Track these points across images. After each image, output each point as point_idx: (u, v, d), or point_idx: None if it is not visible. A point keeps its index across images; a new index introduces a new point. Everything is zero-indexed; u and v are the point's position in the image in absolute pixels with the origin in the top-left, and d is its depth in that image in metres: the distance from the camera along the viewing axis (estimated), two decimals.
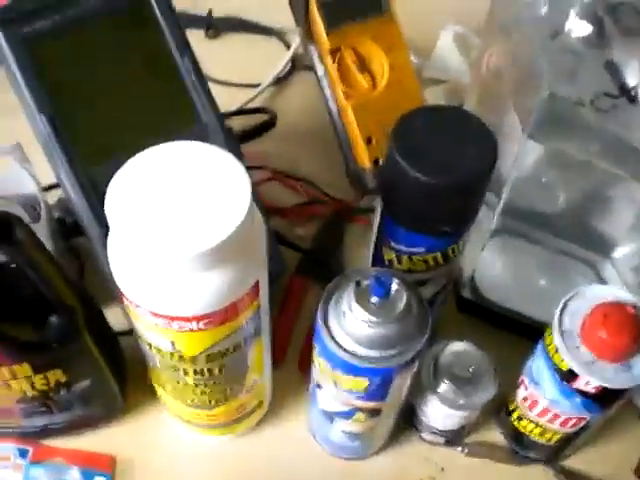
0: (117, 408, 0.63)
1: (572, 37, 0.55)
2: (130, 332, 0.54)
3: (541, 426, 0.59)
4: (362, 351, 0.48)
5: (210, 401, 0.55)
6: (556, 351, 0.52)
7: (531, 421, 0.59)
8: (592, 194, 0.67)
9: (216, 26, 0.92)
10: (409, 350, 0.49)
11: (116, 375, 0.60)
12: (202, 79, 0.62)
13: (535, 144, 0.55)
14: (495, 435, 0.65)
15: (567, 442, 0.60)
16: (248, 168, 0.74)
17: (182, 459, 0.63)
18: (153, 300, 0.44)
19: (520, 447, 0.63)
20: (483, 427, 0.65)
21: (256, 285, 0.47)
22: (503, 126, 0.58)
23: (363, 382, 0.50)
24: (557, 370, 0.53)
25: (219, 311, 0.45)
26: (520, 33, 0.58)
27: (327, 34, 0.71)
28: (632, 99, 0.52)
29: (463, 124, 0.53)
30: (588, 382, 0.51)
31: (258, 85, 0.85)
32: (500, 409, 0.64)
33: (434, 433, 0.62)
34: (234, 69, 0.86)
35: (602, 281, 0.69)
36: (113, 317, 0.62)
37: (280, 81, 0.87)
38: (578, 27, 0.55)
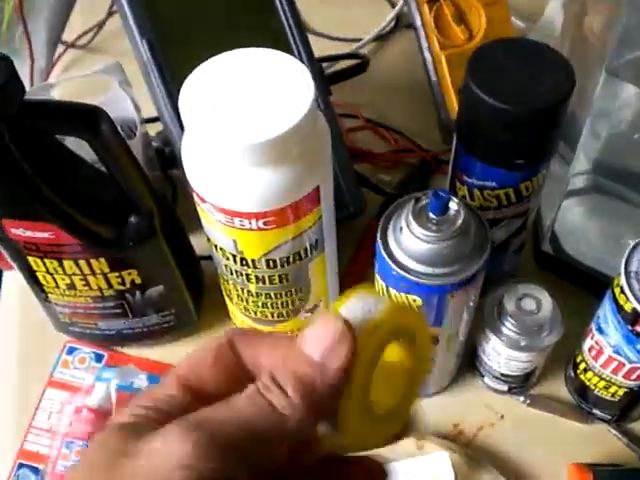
0: (191, 322, 0.66)
1: None
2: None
3: (605, 379, 0.57)
4: (415, 266, 0.49)
5: (272, 314, 0.57)
6: (621, 292, 0.51)
7: (596, 374, 0.58)
8: None
9: None
10: (464, 271, 0.49)
11: (190, 287, 0.63)
12: (297, 18, 0.65)
13: (612, 80, 0.54)
14: (561, 391, 0.64)
15: (633, 401, 0.58)
16: (343, 116, 0.78)
17: None
18: (216, 193, 0.47)
19: (585, 402, 0.61)
20: (549, 382, 0.64)
21: (316, 191, 0.48)
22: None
23: (416, 301, 0.50)
24: (621, 312, 0.52)
25: (277, 210, 0.47)
26: None
27: None
28: None
29: (540, 55, 0.52)
30: None
31: (360, 40, 0.86)
32: (568, 364, 0.63)
33: (497, 378, 0.62)
34: (339, 25, 0.88)
35: None
36: (198, 243, 0.65)
37: (382, 38, 0.88)
38: None
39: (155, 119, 0.71)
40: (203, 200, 0.48)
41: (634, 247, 0.52)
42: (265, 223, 0.47)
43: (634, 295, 0.50)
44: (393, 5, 0.90)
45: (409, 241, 0.49)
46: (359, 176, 0.71)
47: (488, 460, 0.60)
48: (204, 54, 0.48)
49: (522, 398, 0.63)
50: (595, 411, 0.61)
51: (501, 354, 0.58)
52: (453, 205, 0.49)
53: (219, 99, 0.45)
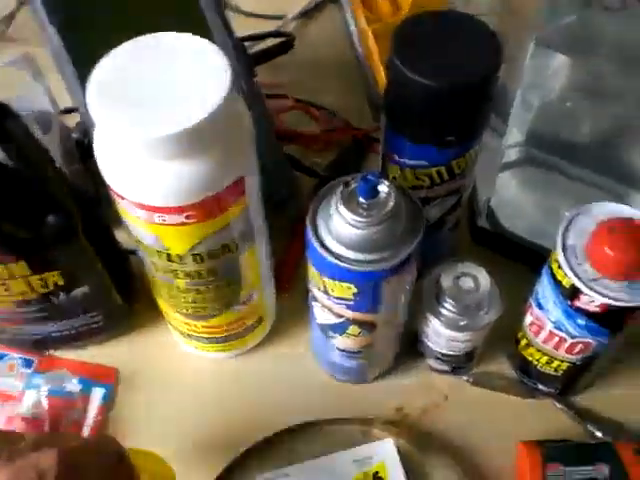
0: (121, 322, 0.63)
1: None
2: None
3: (547, 354, 0.56)
4: (347, 253, 0.47)
5: (205, 309, 0.55)
6: (559, 267, 0.50)
7: (538, 350, 0.57)
8: (619, 122, 0.64)
9: None
10: (396, 255, 0.47)
11: (119, 286, 0.60)
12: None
13: (542, 50, 0.53)
14: (504, 368, 0.63)
15: (576, 374, 0.58)
16: (270, 96, 0.75)
17: (183, 375, 0.63)
18: (132, 189, 0.44)
19: (528, 378, 0.61)
20: (493, 360, 0.64)
21: (240, 182, 0.46)
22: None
23: (351, 288, 0.48)
24: (560, 288, 0.51)
25: (197, 204, 0.44)
26: None
27: None
28: None
29: (467, 27, 0.51)
30: (592, 300, 0.49)
31: (283, 17, 0.84)
32: (510, 341, 0.62)
33: (439, 359, 0.61)
34: (261, 2, 0.85)
35: None
36: (125, 238, 0.62)
37: (307, 15, 0.86)
38: None
39: (74, 109, 0.68)
40: (121, 197, 0.45)
41: (570, 221, 0.51)
42: (187, 217, 0.45)
43: (572, 270, 0.49)
44: None
45: (339, 227, 0.47)
46: (291, 159, 0.69)
47: (435, 442, 0.59)
48: (119, 38, 0.45)
49: (465, 377, 0.62)
50: (539, 386, 0.61)
51: (441, 335, 0.57)
52: (383, 188, 0.47)
53: (126, 89, 0.42)
